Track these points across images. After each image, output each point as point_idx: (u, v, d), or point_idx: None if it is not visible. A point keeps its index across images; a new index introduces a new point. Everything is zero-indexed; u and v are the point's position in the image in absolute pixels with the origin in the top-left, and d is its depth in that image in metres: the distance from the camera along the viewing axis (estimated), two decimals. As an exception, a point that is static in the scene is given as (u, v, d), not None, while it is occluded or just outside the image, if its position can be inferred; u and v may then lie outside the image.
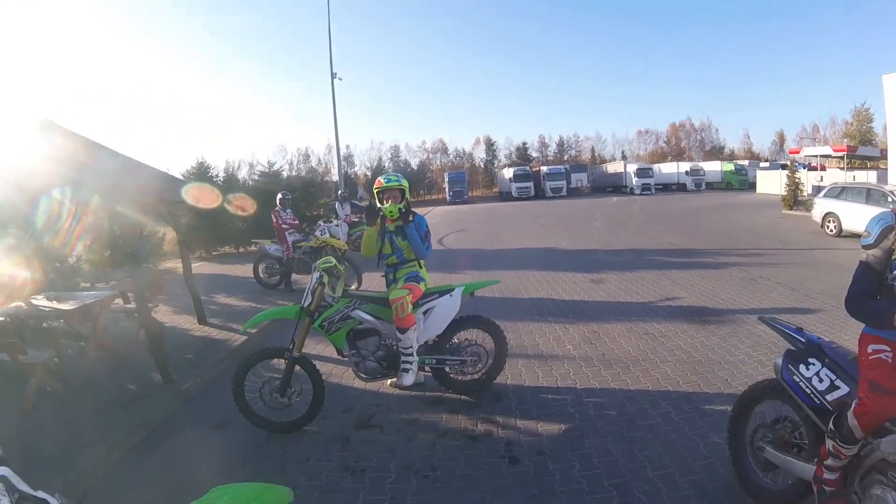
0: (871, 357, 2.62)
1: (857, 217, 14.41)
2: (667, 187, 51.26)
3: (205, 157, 26.65)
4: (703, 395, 4.98)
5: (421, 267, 5.03)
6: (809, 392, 2.90)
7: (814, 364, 2.95)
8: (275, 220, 10.77)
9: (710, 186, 49.78)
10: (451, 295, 4.96)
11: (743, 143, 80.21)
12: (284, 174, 27.70)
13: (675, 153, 75.93)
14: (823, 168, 33.21)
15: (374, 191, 4.97)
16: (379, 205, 4.89)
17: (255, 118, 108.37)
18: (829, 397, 2.79)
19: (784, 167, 35.54)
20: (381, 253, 5.04)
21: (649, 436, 4.27)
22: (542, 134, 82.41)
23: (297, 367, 4.57)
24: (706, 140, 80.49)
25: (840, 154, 33.42)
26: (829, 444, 2.66)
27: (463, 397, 5.12)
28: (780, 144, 76.82)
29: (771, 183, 36.34)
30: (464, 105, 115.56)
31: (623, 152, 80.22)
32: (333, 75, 25.72)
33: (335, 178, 67.33)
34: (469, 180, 61.63)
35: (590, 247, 14.97)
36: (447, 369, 5.05)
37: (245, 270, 12.77)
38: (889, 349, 2.58)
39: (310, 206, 18.43)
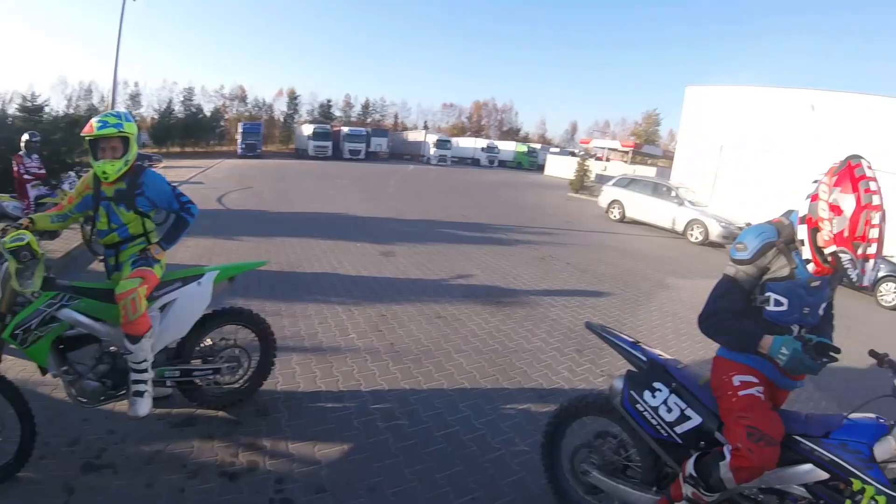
0: (739, 393, 2.21)
1: (641, 207, 16.12)
2: (462, 160, 53.85)
3: None
4: (504, 391, 4.49)
5: (152, 243, 3.61)
6: (656, 424, 2.45)
7: (660, 391, 2.50)
8: (15, 168, 8.46)
9: (503, 164, 53.51)
10: (198, 283, 3.70)
11: (538, 129, 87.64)
12: (55, 109, 22.90)
13: (475, 130, 79.56)
14: (608, 159, 36.96)
15: (85, 139, 3.40)
16: (92, 162, 3.42)
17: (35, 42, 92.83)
18: (678, 429, 2.42)
19: (573, 154, 39.44)
20: (95, 229, 3.58)
21: (449, 449, 3.64)
22: (349, 93, 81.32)
23: None
24: (506, 121, 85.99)
25: (626, 149, 37.66)
26: (688, 489, 2.30)
27: (220, 414, 3.95)
28: (573, 134, 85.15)
29: (559, 167, 41.06)
30: (270, 50, 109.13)
31: (426, 122, 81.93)
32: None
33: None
34: (265, 133, 58.19)
35: (383, 214, 14.19)
36: (197, 381, 3.83)
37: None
38: (758, 382, 2.26)
39: (73, 152, 15.37)
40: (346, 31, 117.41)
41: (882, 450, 1.99)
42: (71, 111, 43.77)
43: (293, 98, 74.87)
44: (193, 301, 3.67)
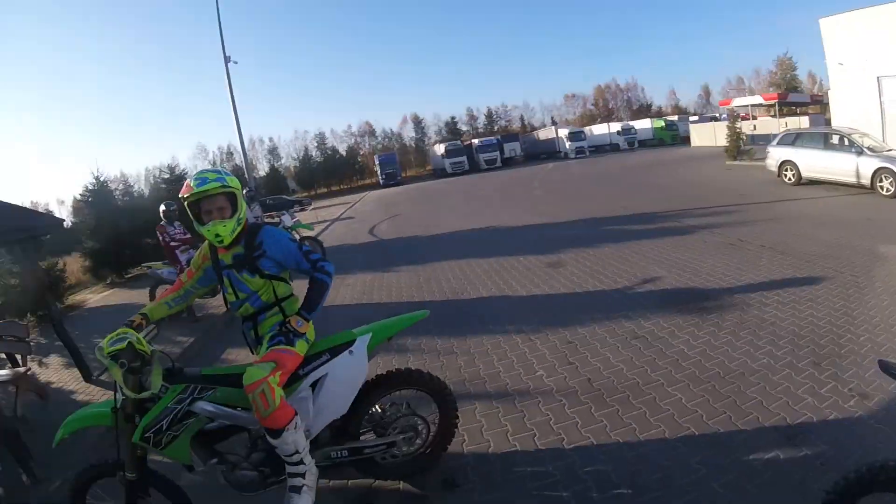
0: None
1: (816, 163, 13.77)
2: (600, 149, 51.38)
3: (101, 170, 23.69)
4: (740, 435, 3.45)
5: (289, 315, 3.07)
6: None
7: None
8: (161, 238, 8.79)
9: (643, 144, 50.22)
10: (350, 352, 3.12)
11: (669, 100, 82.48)
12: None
13: (604, 115, 76.43)
14: (755, 117, 33.31)
15: (183, 202, 2.96)
16: (198, 226, 3.00)
17: (174, 122, 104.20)
18: None
19: (714, 119, 35.91)
20: (227, 301, 3.27)
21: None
22: (470, 107, 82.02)
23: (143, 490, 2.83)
24: (633, 99, 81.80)
25: (771, 102, 33.59)
26: None
27: (402, 486, 3.38)
28: (707, 98, 78.92)
29: (704, 135, 37.19)
30: (386, 85, 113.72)
31: (552, 118, 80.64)
32: (227, 59, 23.00)
33: (262, 172, 65.35)
34: (401, 161, 60.27)
35: (537, 220, 13.30)
36: (372, 457, 3.27)
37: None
38: None
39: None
40: (451, 49, 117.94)
41: None
42: None
43: (418, 122, 77.51)
44: (348, 373, 3.13)
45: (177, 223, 9.17)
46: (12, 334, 6.71)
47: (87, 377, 6.56)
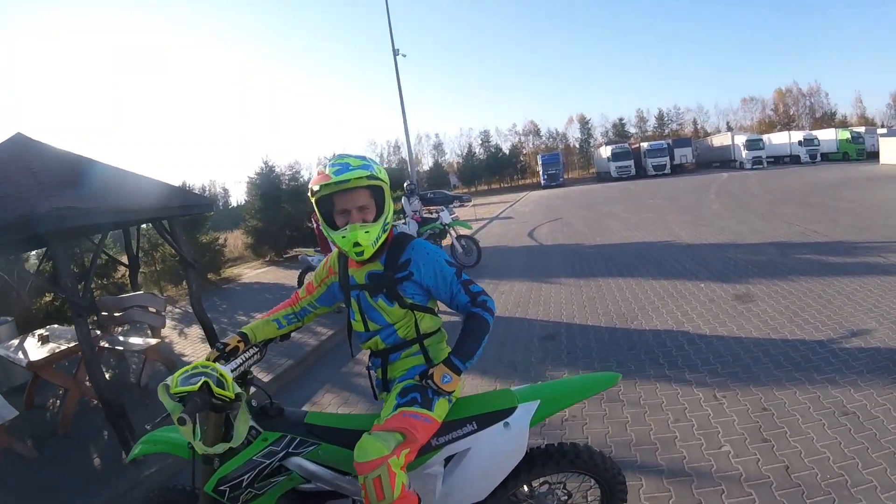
0: None
1: None
2: (778, 160, 45.97)
3: (269, 157, 25.75)
4: None
5: (436, 364, 2.22)
6: None
7: None
8: (315, 226, 8.66)
9: (826, 157, 43.56)
10: (506, 424, 2.24)
11: (855, 109, 71.78)
12: None
13: (784, 122, 68.98)
14: None
15: (312, 198, 2.25)
16: (329, 232, 2.27)
17: (346, 113, 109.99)
18: None
19: None
20: (353, 331, 2.51)
21: None
22: (640, 108, 78.54)
23: None
24: (816, 106, 72.50)
25: None
26: None
27: None
28: None
29: None
30: (554, 83, 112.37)
31: (728, 123, 74.75)
32: (396, 52, 23.14)
33: (426, 167, 67.14)
34: (564, 162, 58.77)
35: (717, 239, 11.58)
36: None
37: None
38: None
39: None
40: (622, 47, 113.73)
41: None
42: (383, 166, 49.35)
43: (584, 123, 75.49)
44: (498, 453, 2.26)
45: None
46: (152, 306, 7.02)
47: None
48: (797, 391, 4.23)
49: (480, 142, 71.70)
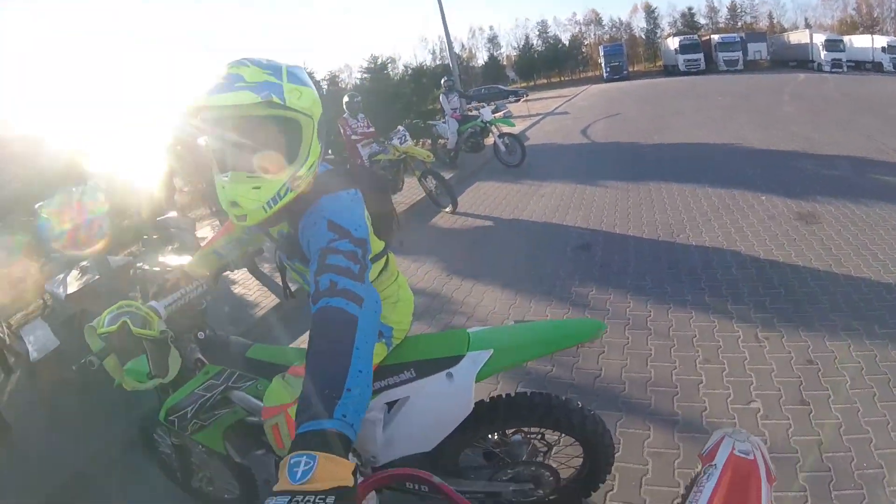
0: None
1: None
2: (859, 65, 39.97)
3: (307, 63, 24.34)
4: None
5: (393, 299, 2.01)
6: None
7: None
8: (342, 131, 8.10)
9: None
10: (449, 375, 1.88)
11: None
12: (399, 66, 23.45)
13: (867, 24, 61.49)
14: None
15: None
16: (214, 172, 1.60)
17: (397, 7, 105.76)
18: None
19: None
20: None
21: None
22: (710, -3, 71.89)
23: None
24: None
25: None
26: None
27: None
28: None
29: None
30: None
31: (806, 20, 67.31)
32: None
33: (480, 62, 64.49)
34: (628, 53, 55.19)
35: (787, 146, 10.15)
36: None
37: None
38: None
39: (422, 102, 15.47)
40: None
41: None
42: (436, 63, 46.91)
43: (650, 12, 70.09)
44: (440, 405, 1.93)
45: (360, 115, 8.52)
46: (182, 227, 6.90)
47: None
48: (852, 344, 3.46)
49: (538, 33, 68.03)
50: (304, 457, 0.90)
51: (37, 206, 6.81)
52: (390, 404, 1.99)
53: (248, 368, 2.07)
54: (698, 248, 5.43)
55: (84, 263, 6.17)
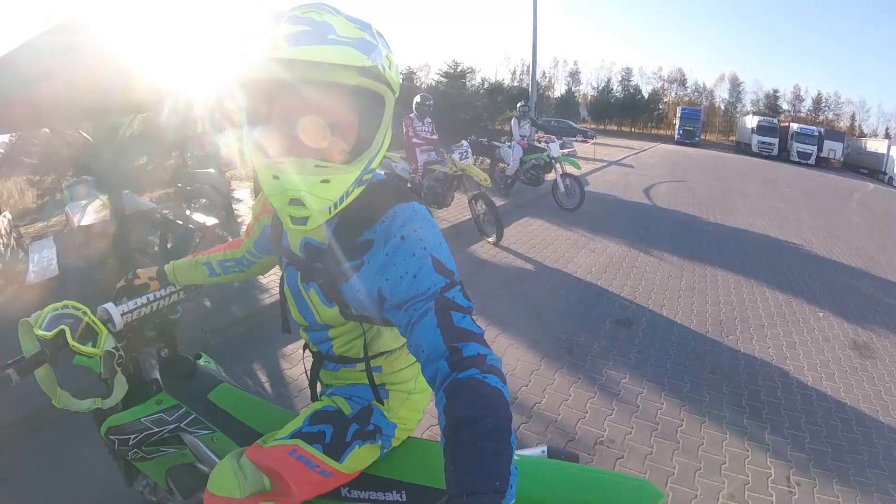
0: None
1: None
2: None
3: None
4: None
5: (393, 370, 1.47)
6: None
7: None
8: (404, 130, 7.83)
9: None
10: None
11: None
12: (477, 78, 22.51)
13: None
14: None
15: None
16: (255, 157, 1.13)
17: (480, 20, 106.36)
18: None
19: None
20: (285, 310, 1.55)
21: None
22: (798, 84, 70.81)
23: None
24: None
25: None
26: None
27: None
28: None
29: None
30: (712, 33, 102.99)
31: (887, 129, 65.35)
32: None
33: (557, 93, 64.11)
34: (704, 121, 54.19)
35: (849, 260, 9.53)
36: None
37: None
38: None
39: (492, 119, 15.17)
40: (792, 11, 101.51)
41: None
42: (514, 83, 46.37)
43: (736, 85, 69.08)
44: None
45: (427, 119, 8.27)
46: (215, 185, 6.93)
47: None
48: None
49: (620, 78, 67.57)
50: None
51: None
52: None
53: (206, 413, 1.73)
54: (746, 356, 5.02)
55: (105, 198, 6.11)
